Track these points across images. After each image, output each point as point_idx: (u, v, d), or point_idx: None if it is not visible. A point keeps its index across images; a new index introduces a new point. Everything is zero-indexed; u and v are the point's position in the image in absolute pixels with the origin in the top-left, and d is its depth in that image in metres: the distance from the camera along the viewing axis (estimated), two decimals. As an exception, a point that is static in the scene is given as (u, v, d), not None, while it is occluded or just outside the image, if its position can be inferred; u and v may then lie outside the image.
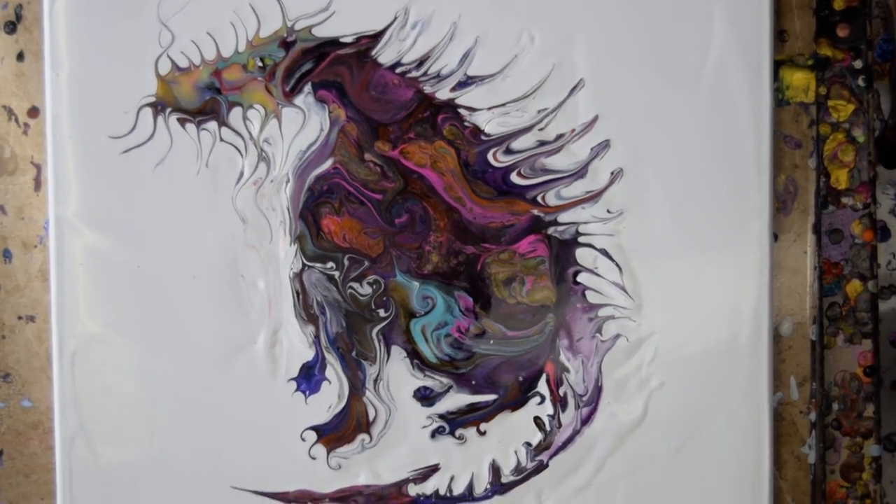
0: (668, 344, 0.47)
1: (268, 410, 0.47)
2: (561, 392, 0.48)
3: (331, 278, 0.47)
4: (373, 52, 0.47)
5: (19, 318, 0.48)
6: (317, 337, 0.47)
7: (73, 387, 0.47)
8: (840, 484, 0.50)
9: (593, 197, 0.47)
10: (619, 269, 0.47)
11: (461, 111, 0.47)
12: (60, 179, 0.46)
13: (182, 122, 0.47)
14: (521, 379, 0.48)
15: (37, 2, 0.47)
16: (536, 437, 0.48)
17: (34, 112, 0.48)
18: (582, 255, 0.47)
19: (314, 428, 0.48)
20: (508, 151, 0.47)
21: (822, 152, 0.49)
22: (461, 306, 0.48)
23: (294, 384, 0.47)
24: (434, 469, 0.48)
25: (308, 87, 0.47)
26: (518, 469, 0.48)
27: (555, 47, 0.47)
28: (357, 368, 0.48)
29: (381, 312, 0.48)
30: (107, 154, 0.47)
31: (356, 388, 0.48)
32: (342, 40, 0.47)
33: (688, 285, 0.47)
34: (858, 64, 0.49)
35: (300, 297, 0.47)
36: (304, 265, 0.47)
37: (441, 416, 0.48)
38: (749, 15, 0.47)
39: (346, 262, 0.47)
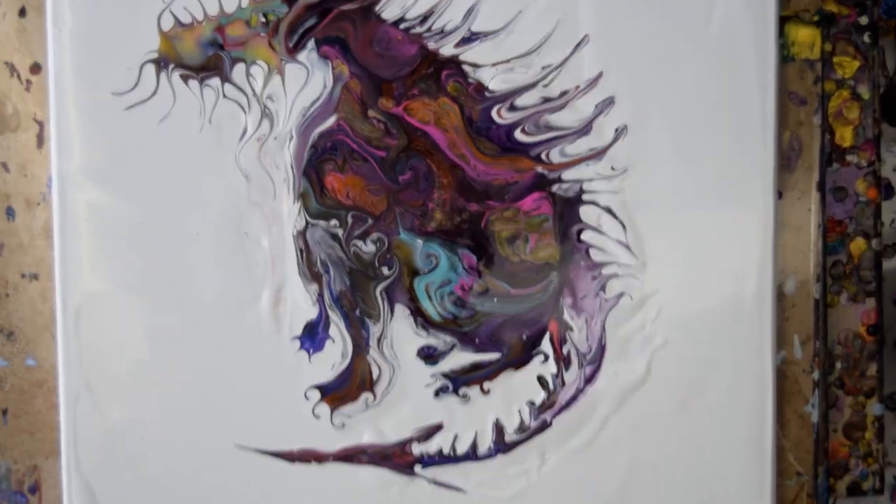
0: (672, 302, 0.47)
1: (271, 369, 0.47)
2: (564, 351, 0.48)
3: (334, 236, 0.47)
4: (376, 8, 0.46)
5: (23, 275, 0.48)
6: (320, 295, 0.47)
7: (77, 345, 0.47)
8: (842, 443, 0.50)
9: (597, 154, 0.47)
10: (623, 226, 0.47)
11: (465, 67, 0.47)
12: (63, 136, 0.46)
13: (185, 78, 0.46)
14: (524, 337, 0.48)
15: (38, -42, 0.47)
16: (540, 396, 0.48)
17: (36, 68, 0.48)
18: (586, 212, 0.47)
19: (318, 386, 0.48)
20: (512, 108, 0.47)
21: (826, 109, 0.49)
22: (465, 264, 0.47)
23: (298, 342, 0.47)
24: (437, 428, 0.48)
25: (311, 44, 0.47)
26: (521, 428, 0.48)
27: (559, 2, 0.46)
28: (361, 327, 0.48)
29: (385, 270, 0.47)
30: (110, 110, 0.46)
31: (360, 347, 0.48)
32: (345, -3, 0.47)
33: (692, 243, 0.47)
34: (864, 20, 0.48)
35: (304, 254, 0.47)
36: (307, 223, 0.47)
37: (445, 375, 0.48)
38: (754, -28, 0.47)
39: (349, 220, 0.47)
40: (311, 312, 0.47)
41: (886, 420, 0.50)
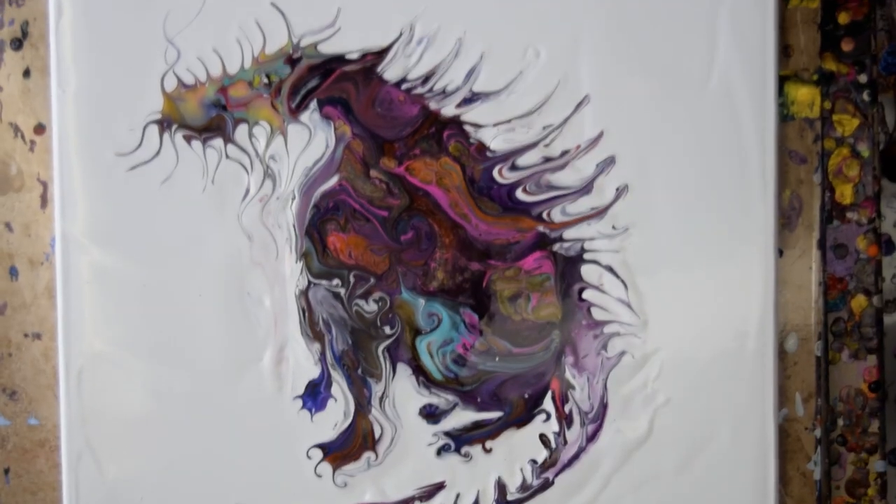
0: (674, 361, 0.48)
1: (274, 428, 0.47)
2: (566, 409, 0.48)
3: (336, 295, 0.47)
4: (378, 69, 0.47)
5: (26, 335, 0.48)
6: (323, 354, 0.47)
7: (79, 404, 0.47)
8: (846, 500, 0.50)
9: (599, 213, 0.47)
10: (625, 285, 0.47)
11: (467, 127, 0.47)
12: (67, 196, 0.47)
13: (188, 138, 0.47)
14: (526, 396, 0.48)
15: (43, 18, 0.47)
16: (542, 455, 0.48)
17: (40, 129, 0.48)
18: (587, 271, 0.47)
19: (320, 446, 0.48)
20: (514, 168, 0.47)
21: (826, 167, 0.49)
22: (467, 323, 0.48)
23: (300, 402, 0.48)
24: (440, 487, 0.48)
25: (314, 104, 0.47)
26: (524, 486, 0.48)
27: (560, 63, 0.47)
28: (363, 386, 0.48)
29: (387, 329, 0.48)
30: (113, 171, 0.47)
31: (362, 406, 0.48)
32: (348, 57, 0.47)
33: (693, 302, 0.47)
34: (863, 78, 0.49)
35: (306, 314, 0.47)
36: (309, 282, 0.47)
37: (447, 434, 0.48)
38: (753, 30, 0.47)
39: (351, 280, 0.47)
40: (314, 372, 0.47)
41: (889, 476, 0.50)
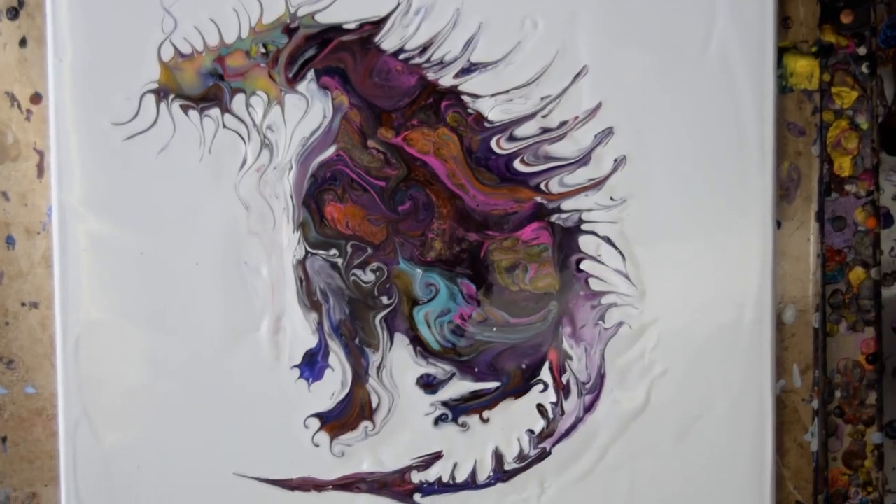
0: (671, 331, 0.48)
1: (271, 397, 0.47)
2: (564, 379, 0.48)
3: (334, 265, 0.47)
4: (376, 39, 0.47)
5: (23, 304, 0.48)
6: (320, 324, 0.47)
7: (76, 373, 0.47)
8: (842, 471, 0.50)
9: (597, 184, 0.47)
10: (623, 256, 0.47)
11: (464, 98, 0.47)
12: (63, 166, 0.46)
13: (185, 108, 0.47)
14: (524, 366, 0.48)
15: (39, -12, 0.47)
16: (539, 425, 0.48)
17: (37, 98, 0.48)
18: (585, 242, 0.47)
19: (317, 415, 0.48)
20: (512, 138, 0.47)
21: (825, 139, 0.49)
22: (464, 293, 0.48)
23: (297, 371, 0.48)
24: (437, 456, 0.48)
25: (311, 74, 0.47)
26: (521, 456, 0.48)
27: (558, 34, 0.47)
28: (360, 356, 0.48)
29: (385, 300, 0.48)
30: (110, 140, 0.47)
31: (359, 376, 0.48)
32: (345, 27, 0.47)
33: (690, 273, 0.47)
34: (862, 51, 0.48)
35: (303, 284, 0.47)
36: (307, 252, 0.47)
37: (444, 404, 0.48)
38: (752, 1, 0.47)
39: (349, 250, 0.47)
40: (311, 341, 0.47)
41: (886, 448, 0.50)
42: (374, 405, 0.48)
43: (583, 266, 0.48)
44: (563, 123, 0.47)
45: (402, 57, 0.47)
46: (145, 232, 0.47)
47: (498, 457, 0.48)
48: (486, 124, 0.47)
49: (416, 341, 0.48)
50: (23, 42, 0.48)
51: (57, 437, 0.47)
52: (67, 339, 0.47)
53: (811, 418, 0.49)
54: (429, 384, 0.48)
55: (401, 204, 0.47)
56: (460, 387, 0.48)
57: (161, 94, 0.47)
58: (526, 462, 0.48)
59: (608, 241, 0.47)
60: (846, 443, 0.50)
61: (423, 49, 0.47)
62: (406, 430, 0.48)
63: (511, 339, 0.48)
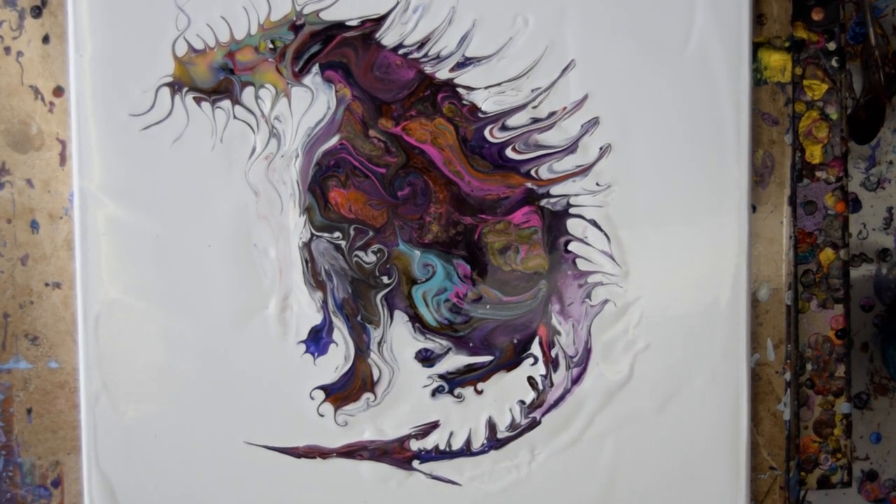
0: (653, 308, 0.51)
1: (279, 371, 0.51)
2: (553, 353, 0.51)
3: (337, 247, 0.51)
4: (377, 35, 0.50)
5: (46, 284, 0.51)
6: (325, 302, 0.51)
7: (96, 349, 0.50)
8: (813, 439, 0.53)
9: (583, 171, 0.50)
10: (608, 238, 0.51)
11: (460, 90, 0.50)
12: (84, 154, 0.49)
13: (198, 100, 0.50)
14: (515, 341, 0.51)
15: (59, -13, 0.50)
16: (530, 396, 0.51)
17: (59, 91, 0.51)
18: (573, 225, 0.51)
19: (322, 387, 0.51)
20: (504, 128, 0.50)
21: (797, 129, 0.52)
22: (460, 273, 0.51)
23: (303, 346, 0.51)
24: (434, 425, 0.51)
25: (316, 68, 0.50)
26: (513, 425, 0.51)
27: (547, 30, 0.50)
28: (362, 332, 0.51)
29: (385, 279, 0.51)
30: (127, 131, 0.49)
31: (361, 350, 0.51)
32: (348, 24, 0.50)
33: (671, 254, 0.51)
34: (832, 46, 0.52)
35: (309, 265, 0.50)
36: (312, 235, 0.50)
37: (441, 377, 0.51)
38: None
39: (351, 232, 0.50)
40: (316, 318, 0.51)
41: (854, 418, 0.54)
42: (375, 378, 0.51)
43: (570, 247, 0.51)
44: (552, 114, 0.50)
45: (401, 52, 0.50)
46: (161, 216, 0.50)
47: (491, 426, 0.51)
48: (480, 115, 0.50)
49: (415, 318, 0.51)
50: (46, 39, 0.51)
51: (78, 409, 0.50)
52: (88, 317, 0.50)
53: (784, 389, 0.52)
54: (426, 358, 0.51)
55: (400, 190, 0.50)
56: (456, 360, 0.51)
57: (175, 87, 0.50)
58: (517, 431, 0.51)
59: (594, 223, 0.50)
60: (816, 412, 0.53)
61: (421, 44, 0.50)
62: (405, 401, 0.51)
63: (503, 315, 0.51)
